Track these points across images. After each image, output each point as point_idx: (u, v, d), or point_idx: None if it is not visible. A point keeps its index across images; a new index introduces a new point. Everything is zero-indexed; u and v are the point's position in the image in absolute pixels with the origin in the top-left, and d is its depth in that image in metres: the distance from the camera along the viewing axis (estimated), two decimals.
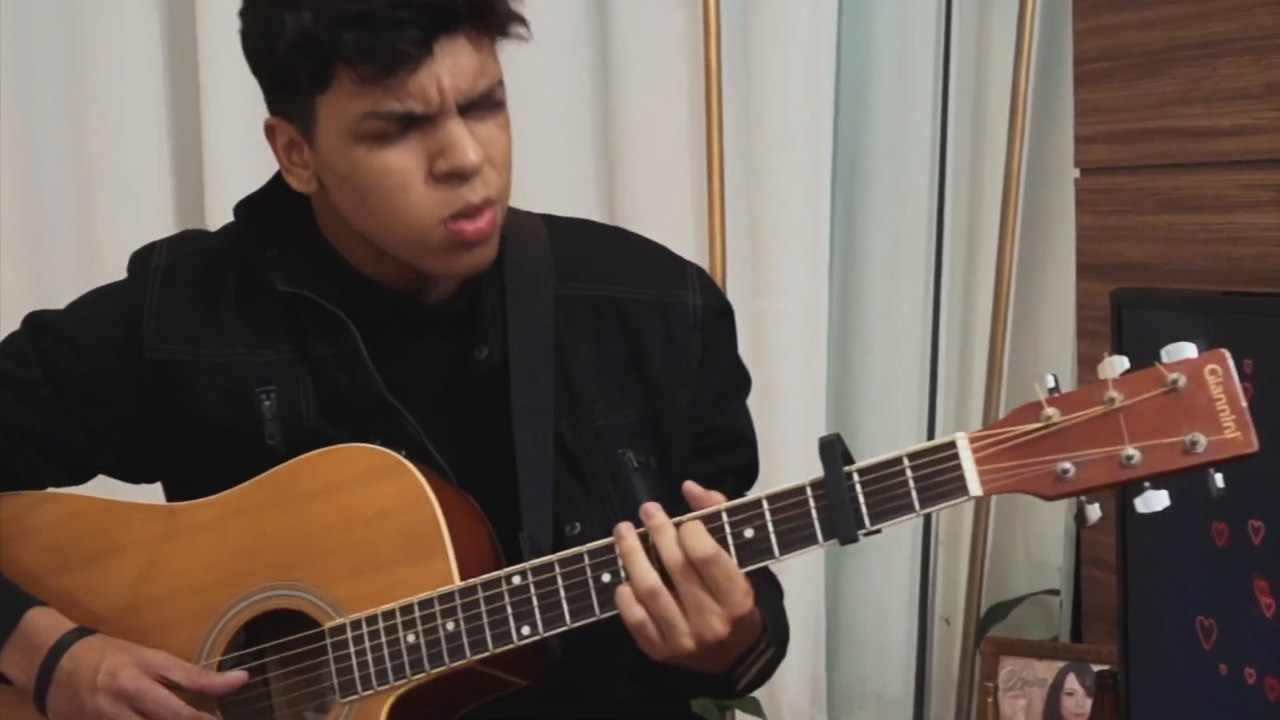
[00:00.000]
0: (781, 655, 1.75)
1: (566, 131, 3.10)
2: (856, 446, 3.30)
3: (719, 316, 1.80)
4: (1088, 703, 2.60)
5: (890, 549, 3.29)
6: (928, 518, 3.21)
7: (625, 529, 1.52)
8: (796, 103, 3.12)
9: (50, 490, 1.78)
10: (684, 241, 3.03)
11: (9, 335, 1.80)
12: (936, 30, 3.21)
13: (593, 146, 3.14)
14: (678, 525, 1.51)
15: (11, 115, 2.84)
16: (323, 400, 1.69)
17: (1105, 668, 2.51)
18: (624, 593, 1.51)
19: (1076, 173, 2.60)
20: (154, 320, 1.72)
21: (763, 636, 1.62)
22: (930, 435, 3.23)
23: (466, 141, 1.57)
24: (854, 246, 3.29)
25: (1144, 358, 2.24)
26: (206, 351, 1.71)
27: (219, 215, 2.65)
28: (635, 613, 1.50)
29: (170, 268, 1.75)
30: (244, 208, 1.75)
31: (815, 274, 3.17)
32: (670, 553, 1.49)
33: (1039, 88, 3.15)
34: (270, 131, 1.68)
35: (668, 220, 3.06)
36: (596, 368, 1.74)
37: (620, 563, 1.52)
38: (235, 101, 2.75)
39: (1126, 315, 2.29)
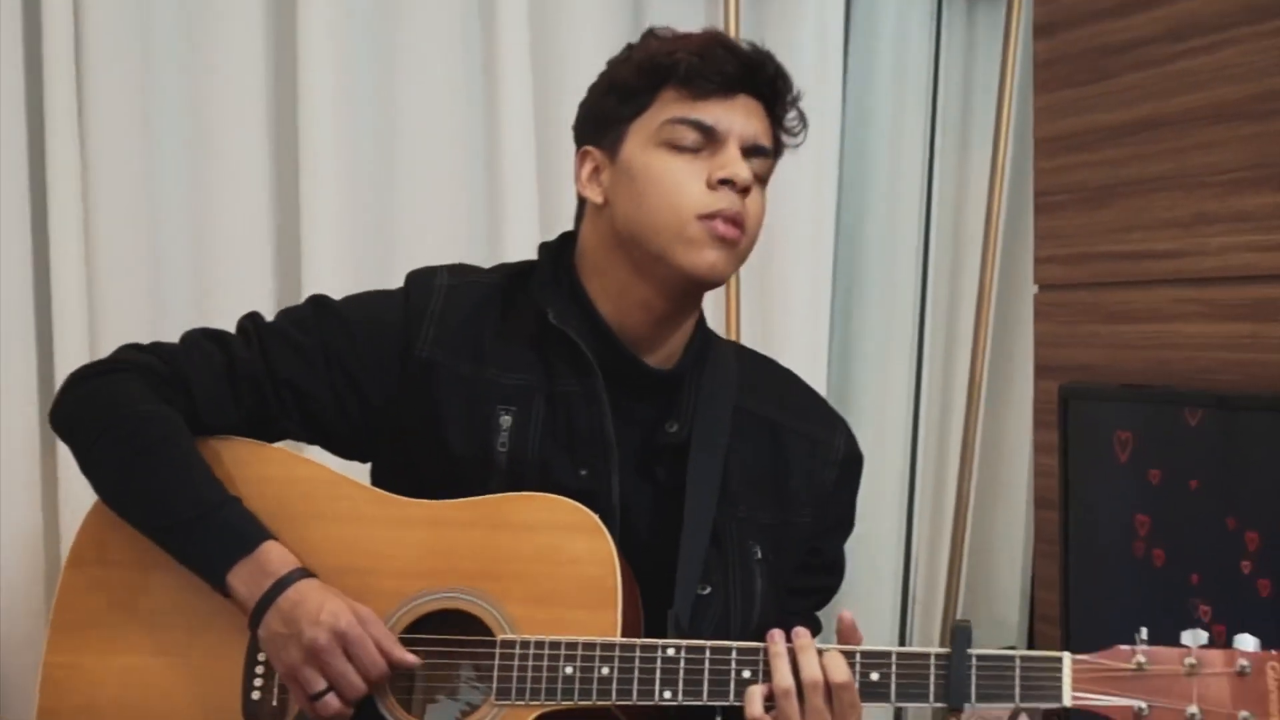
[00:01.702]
0: None
1: None
2: None
3: (854, 464, 1.85)
4: None
5: (872, 611, 3.28)
6: (906, 581, 3.27)
7: (779, 635, 1.54)
8: (804, 231, 3.14)
9: (288, 450, 1.79)
10: None
11: (290, 308, 1.83)
12: (922, 168, 3.24)
13: None
14: (821, 652, 1.53)
15: (141, 187, 2.82)
16: (550, 427, 1.70)
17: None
18: (755, 691, 1.53)
19: (1036, 288, 2.61)
20: (433, 326, 1.74)
21: None
22: (910, 510, 3.27)
23: (742, 162, 1.68)
24: (849, 352, 3.31)
25: (1086, 442, 2.26)
26: (464, 364, 1.73)
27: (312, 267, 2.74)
28: (757, 709, 1.52)
29: (453, 288, 1.78)
30: (544, 248, 1.83)
31: (814, 373, 3.15)
32: (811, 669, 1.51)
33: (1009, 216, 3.19)
34: (582, 158, 1.77)
35: None
36: (749, 470, 1.76)
37: (763, 665, 1.54)
38: (328, 164, 2.79)
39: (1072, 406, 2.31)
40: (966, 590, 3.29)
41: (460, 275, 1.81)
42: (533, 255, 2.75)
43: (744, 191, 1.67)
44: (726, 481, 1.74)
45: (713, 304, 3.06)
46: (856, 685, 1.52)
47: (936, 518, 3.32)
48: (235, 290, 2.80)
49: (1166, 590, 2.17)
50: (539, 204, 3.01)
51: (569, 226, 2.70)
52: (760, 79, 1.70)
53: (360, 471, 1.87)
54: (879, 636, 3.27)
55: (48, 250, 2.78)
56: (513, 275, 1.80)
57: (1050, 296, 2.57)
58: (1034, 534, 2.77)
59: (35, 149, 2.78)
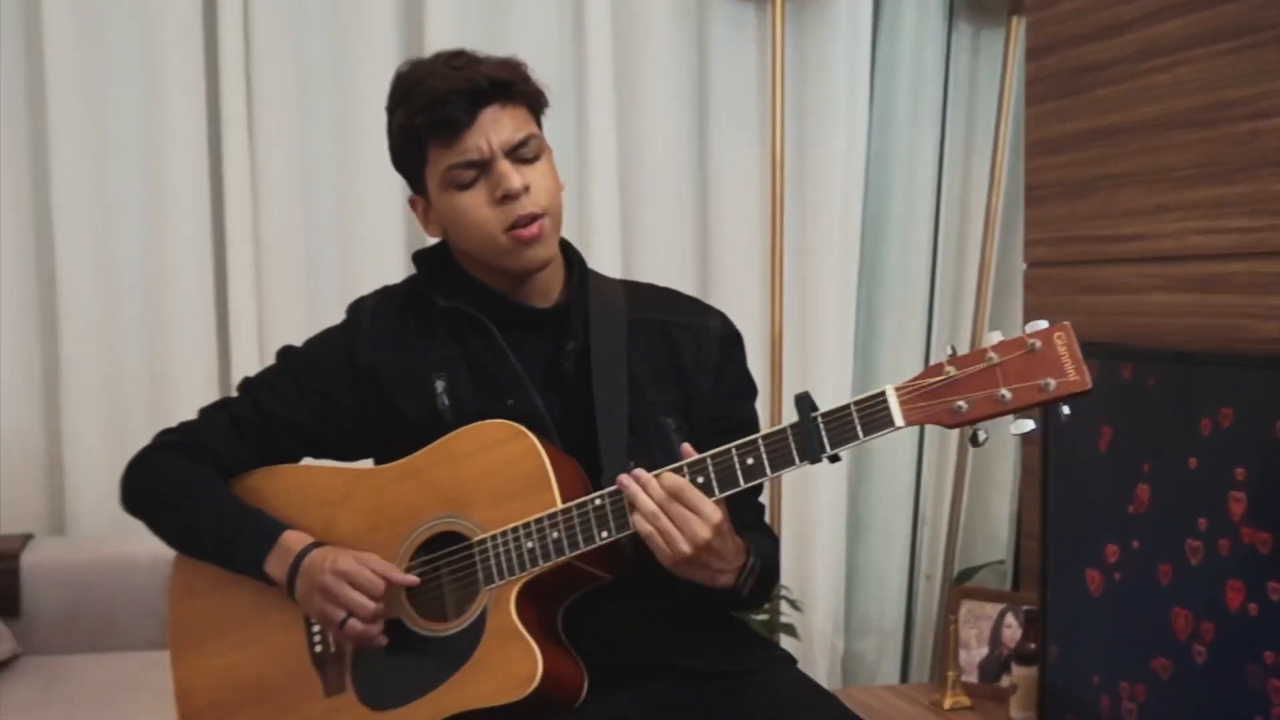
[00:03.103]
0: (772, 579, 1.74)
1: (679, 232, 3.17)
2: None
3: (733, 339, 1.81)
4: (1019, 631, 2.61)
5: (891, 529, 3.31)
6: (916, 506, 3.29)
7: (625, 479, 1.56)
8: (834, 221, 3.16)
9: (298, 465, 1.82)
10: (751, 312, 3.10)
11: (268, 366, 1.83)
12: (934, 166, 3.26)
13: (693, 251, 3.19)
14: (659, 475, 1.55)
15: (294, 200, 2.90)
16: (474, 378, 1.71)
17: (1031, 607, 2.53)
18: (637, 519, 1.55)
19: (1025, 266, 2.60)
20: (366, 339, 1.76)
21: (748, 558, 1.63)
22: (920, 450, 3.30)
23: (511, 173, 1.63)
24: (872, 323, 3.32)
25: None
26: (398, 356, 1.74)
27: None
28: (644, 526, 1.54)
29: (374, 307, 1.79)
30: (417, 256, 1.81)
31: (843, 339, 3.19)
32: (656, 490, 1.54)
33: (1005, 207, 3.18)
34: (413, 204, 1.76)
35: (745, 294, 3.13)
36: (649, 364, 1.74)
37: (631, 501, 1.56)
38: None
39: None
40: (968, 512, 3.29)
41: (380, 295, 1.82)
42: (615, 229, 2.77)
43: (525, 189, 1.64)
44: (633, 378, 1.72)
45: (758, 285, 3.12)
46: (740, 473, 1.52)
47: (942, 455, 3.33)
48: (373, 278, 2.82)
49: (1119, 479, 2.17)
50: (619, 190, 3.05)
51: (644, 203, 2.66)
52: (488, 94, 1.64)
53: None
54: (894, 553, 3.32)
55: (225, 250, 2.87)
56: (415, 281, 1.81)
57: (1037, 273, 2.56)
58: (1021, 467, 2.79)
59: (215, 172, 2.87)
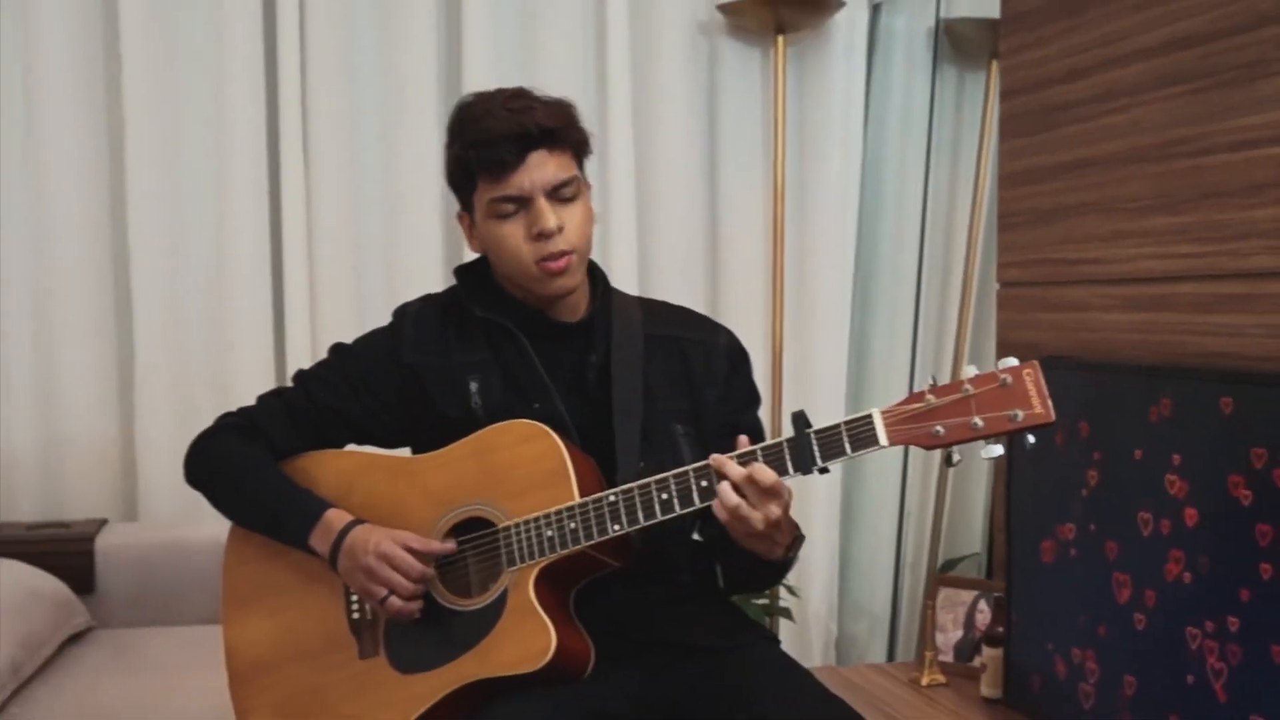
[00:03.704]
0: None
1: (690, 254, 3.21)
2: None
3: (739, 353, 1.83)
4: (990, 616, 2.63)
5: (879, 522, 3.33)
6: (903, 505, 3.31)
7: (721, 458, 1.54)
8: (831, 244, 3.19)
9: (343, 451, 1.83)
10: (754, 326, 3.13)
11: (321, 360, 1.85)
12: (920, 196, 3.28)
13: (703, 272, 3.21)
14: (747, 464, 1.54)
15: (343, 203, 2.95)
16: (505, 382, 1.73)
17: (1000, 594, 2.54)
18: (724, 487, 1.53)
19: (998, 286, 2.59)
20: (408, 341, 1.77)
21: (797, 532, 1.66)
22: (906, 451, 3.31)
23: (548, 213, 1.66)
24: (864, 336, 3.34)
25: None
26: (437, 358, 1.76)
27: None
28: (730, 499, 1.52)
29: (418, 311, 1.81)
30: (458, 271, 1.83)
31: (838, 352, 3.22)
32: (737, 473, 1.53)
33: (985, 232, 3.19)
34: (460, 219, 1.78)
35: (749, 309, 3.17)
36: (664, 376, 1.76)
37: (716, 475, 1.54)
38: None
39: None
40: (948, 511, 3.31)
41: (424, 300, 1.84)
42: (633, 250, 2.85)
43: (559, 229, 1.67)
44: (648, 388, 1.73)
45: (761, 301, 3.14)
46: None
47: (927, 460, 3.35)
48: (415, 280, 2.89)
49: (1073, 465, 2.20)
50: (637, 215, 3.08)
51: (659, 227, 2.80)
52: (537, 140, 1.66)
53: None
54: (883, 545, 3.34)
55: (281, 259, 2.91)
56: (454, 291, 1.83)
57: (1009, 292, 2.57)
58: (994, 472, 2.81)
59: (274, 189, 2.91)
